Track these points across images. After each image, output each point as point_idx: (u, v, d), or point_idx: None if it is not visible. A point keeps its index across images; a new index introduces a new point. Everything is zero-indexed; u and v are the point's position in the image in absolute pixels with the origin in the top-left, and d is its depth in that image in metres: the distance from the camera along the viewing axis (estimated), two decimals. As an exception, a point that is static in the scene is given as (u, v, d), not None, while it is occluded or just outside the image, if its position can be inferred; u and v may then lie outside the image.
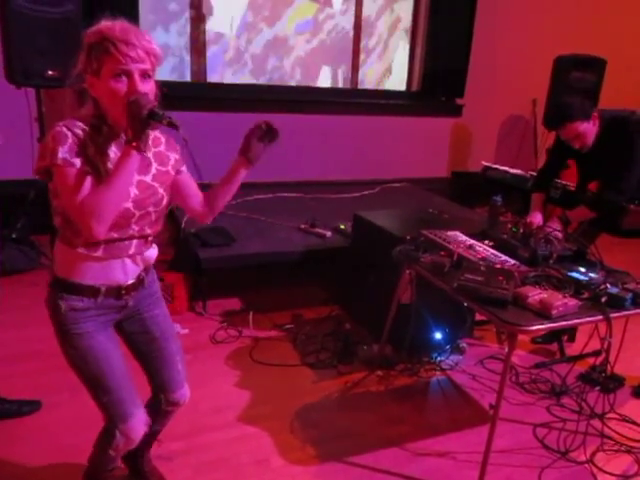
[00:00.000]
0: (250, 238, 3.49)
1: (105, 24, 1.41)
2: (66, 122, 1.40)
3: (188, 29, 4.64)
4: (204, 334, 3.12)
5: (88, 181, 1.40)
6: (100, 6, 3.48)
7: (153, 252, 1.67)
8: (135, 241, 1.55)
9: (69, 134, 1.38)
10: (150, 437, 1.93)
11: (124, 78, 1.40)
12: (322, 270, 3.72)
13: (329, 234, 3.65)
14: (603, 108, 2.95)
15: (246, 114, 4.67)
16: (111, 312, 1.61)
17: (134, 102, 1.38)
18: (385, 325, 2.71)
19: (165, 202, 1.60)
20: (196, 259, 3.22)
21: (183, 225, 3.58)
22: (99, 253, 1.50)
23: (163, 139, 1.64)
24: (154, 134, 1.60)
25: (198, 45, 4.71)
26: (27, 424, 2.29)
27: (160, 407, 1.81)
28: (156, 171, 1.57)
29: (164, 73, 4.58)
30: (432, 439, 2.40)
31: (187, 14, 4.60)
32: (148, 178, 1.54)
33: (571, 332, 3.20)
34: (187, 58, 4.70)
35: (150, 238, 1.62)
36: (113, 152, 1.47)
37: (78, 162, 1.39)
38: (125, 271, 1.57)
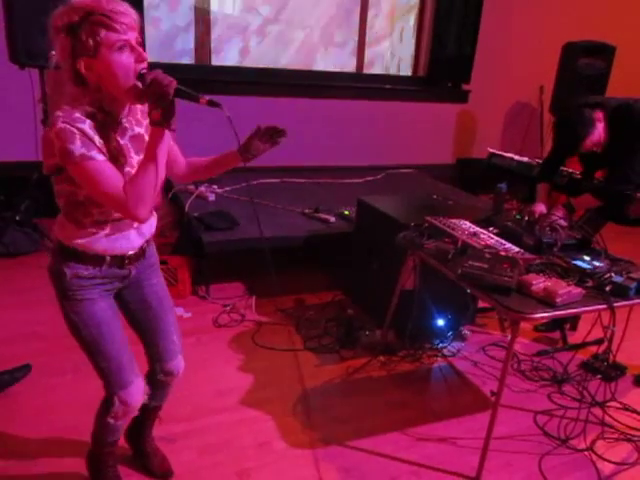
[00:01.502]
0: (254, 222, 3.48)
1: (81, 0, 1.32)
2: (63, 115, 1.34)
3: (193, 12, 4.60)
4: (207, 318, 3.13)
5: (114, 169, 1.39)
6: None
7: (154, 221, 1.69)
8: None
9: (74, 130, 1.33)
10: (151, 414, 1.96)
11: (126, 50, 1.34)
12: (325, 255, 3.72)
13: (333, 219, 3.64)
14: (609, 97, 2.92)
15: (250, 97, 4.66)
16: (114, 281, 1.63)
17: (155, 82, 1.32)
18: (388, 311, 2.71)
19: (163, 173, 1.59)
20: (199, 243, 3.22)
21: (186, 209, 3.58)
22: (107, 230, 1.52)
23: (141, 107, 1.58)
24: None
25: (203, 26, 4.67)
26: (28, 406, 2.31)
27: (155, 377, 1.83)
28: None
29: (169, 55, 4.55)
30: (433, 425, 2.41)
31: (193, 2, 4.57)
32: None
33: (573, 321, 3.20)
34: (191, 40, 4.66)
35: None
36: (116, 140, 1.45)
37: (96, 154, 1.36)
38: (130, 242, 1.59)
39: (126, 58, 1.34)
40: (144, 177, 1.37)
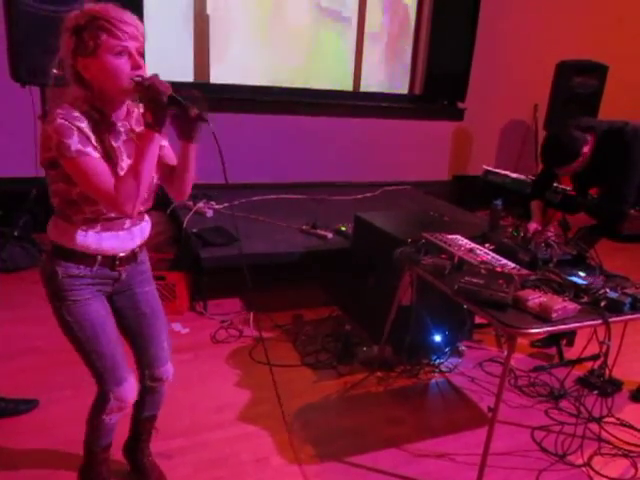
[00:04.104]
0: (252, 238, 3.50)
1: (93, 6, 1.43)
2: (63, 113, 1.41)
3: (192, 28, 4.66)
4: (205, 333, 3.13)
5: (107, 167, 1.45)
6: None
7: (147, 226, 1.73)
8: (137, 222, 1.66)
9: (72, 127, 1.40)
10: (145, 425, 1.97)
11: (124, 56, 1.43)
12: (323, 271, 3.73)
13: (330, 235, 3.67)
14: (600, 120, 2.96)
15: (247, 115, 4.70)
16: (105, 283, 1.67)
17: (151, 87, 1.41)
18: (385, 327, 2.72)
19: (155, 179, 1.64)
20: (197, 259, 3.23)
21: (185, 225, 3.60)
22: (97, 229, 1.57)
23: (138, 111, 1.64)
24: (135, 110, 1.62)
25: (202, 44, 4.73)
26: (27, 420, 2.30)
27: (145, 384, 1.86)
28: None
29: (167, 73, 4.59)
30: (431, 440, 2.41)
31: (192, 13, 4.62)
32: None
33: (570, 336, 3.22)
34: (191, 57, 4.72)
35: (143, 213, 1.69)
36: (109, 142, 1.51)
37: (91, 151, 1.43)
38: (120, 242, 1.63)
39: (122, 63, 1.43)
40: (133, 179, 1.44)
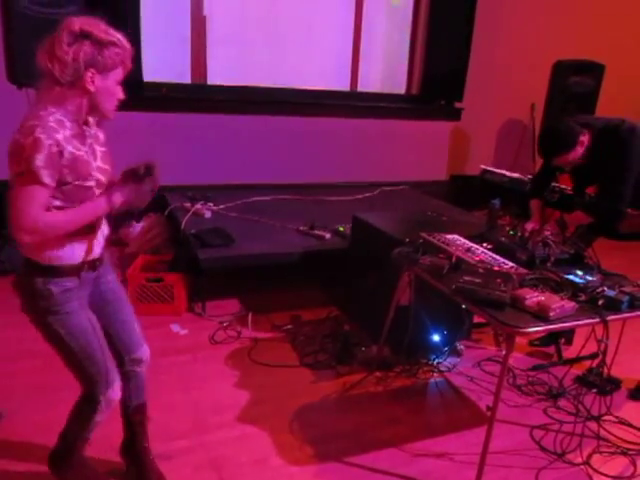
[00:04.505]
0: (250, 239, 3.50)
1: (108, 28, 1.53)
2: (41, 125, 1.44)
3: (189, 32, 4.66)
4: (203, 335, 3.13)
5: (45, 200, 1.48)
6: (103, 7, 3.50)
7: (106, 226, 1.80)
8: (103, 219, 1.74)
9: (51, 142, 1.43)
10: (136, 416, 1.98)
11: (119, 84, 1.59)
12: (321, 272, 3.74)
13: (328, 236, 3.67)
14: (596, 117, 2.95)
15: (244, 116, 4.70)
16: (88, 286, 1.72)
17: (140, 202, 1.66)
18: (384, 327, 2.72)
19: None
20: (195, 260, 3.23)
21: (183, 226, 3.60)
22: (82, 239, 1.62)
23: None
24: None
25: (198, 45, 4.73)
26: (28, 421, 2.30)
27: (126, 369, 1.89)
28: (101, 153, 1.67)
29: (164, 74, 4.60)
30: (430, 440, 2.42)
31: (188, 17, 4.62)
32: (100, 162, 1.64)
33: (568, 335, 3.22)
34: (188, 59, 4.72)
35: None
36: (88, 144, 1.60)
37: (48, 178, 1.45)
38: (99, 245, 1.71)
39: (119, 90, 1.59)
40: (63, 223, 1.53)
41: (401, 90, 5.68)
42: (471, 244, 2.50)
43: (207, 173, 4.54)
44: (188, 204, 3.93)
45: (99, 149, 1.65)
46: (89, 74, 1.49)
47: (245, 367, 2.85)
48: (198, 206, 3.93)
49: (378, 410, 2.60)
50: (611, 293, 2.08)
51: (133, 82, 3.76)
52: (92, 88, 1.52)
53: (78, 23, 1.49)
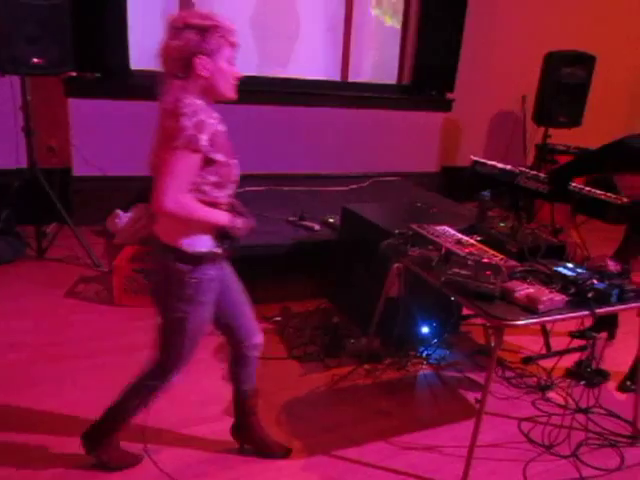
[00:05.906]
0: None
1: (206, 12, 1.61)
2: (202, 109, 1.57)
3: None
4: (191, 327, 3.09)
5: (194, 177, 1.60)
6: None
7: None
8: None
9: (212, 122, 1.57)
10: (250, 400, 2.13)
11: (233, 63, 1.67)
12: (310, 263, 3.71)
13: (318, 227, 3.64)
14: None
15: (235, 105, 4.64)
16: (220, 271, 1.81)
17: (241, 234, 1.73)
18: (373, 319, 2.71)
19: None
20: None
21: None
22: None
23: None
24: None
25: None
26: (13, 416, 2.27)
27: (245, 354, 2.01)
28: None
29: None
30: (418, 433, 2.41)
31: (177, 4, 4.55)
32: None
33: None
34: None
35: None
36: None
37: (212, 154, 1.61)
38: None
39: (232, 69, 1.68)
40: (193, 212, 1.62)
41: (392, 80, 5.64)
42: (461, 236, 2.48)
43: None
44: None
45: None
46: (198, 61, 1.58)
47: (233, 359, 2.82)
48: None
49: (367, 403, 2.59)
50: (601, 286, 2.08)
51: (119, 70, 3.73)
52: (206, 73, 1.60)
53: (177, 17, 1.59)
